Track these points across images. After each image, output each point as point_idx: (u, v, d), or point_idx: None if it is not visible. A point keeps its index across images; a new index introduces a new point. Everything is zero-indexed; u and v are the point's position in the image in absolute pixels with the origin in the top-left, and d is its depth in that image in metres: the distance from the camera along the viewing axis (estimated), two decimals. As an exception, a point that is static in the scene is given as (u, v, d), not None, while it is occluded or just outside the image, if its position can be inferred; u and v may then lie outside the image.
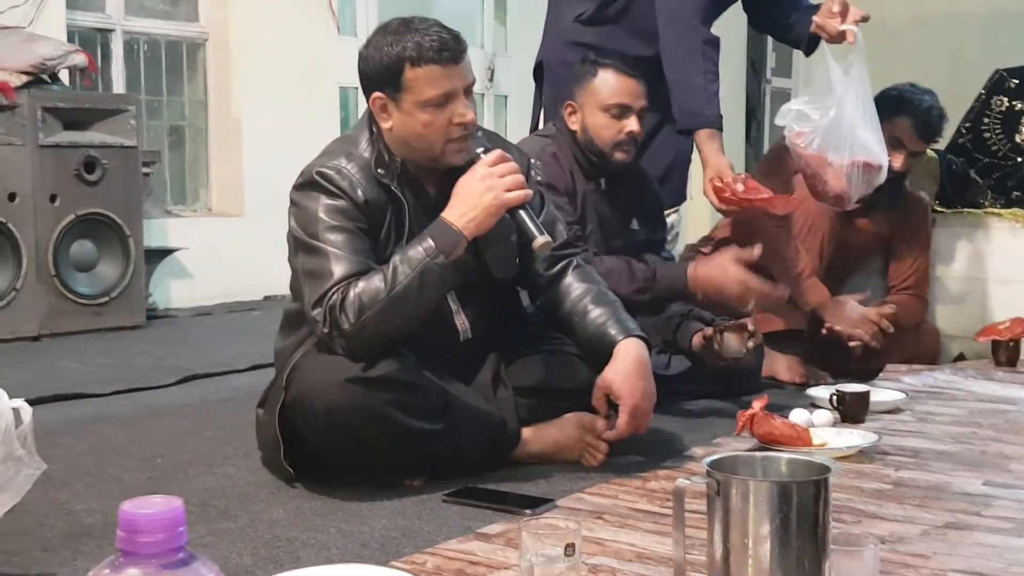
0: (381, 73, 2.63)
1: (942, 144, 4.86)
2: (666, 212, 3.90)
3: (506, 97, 8.64)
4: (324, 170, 2.61)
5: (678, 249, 4.15)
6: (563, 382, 2.85)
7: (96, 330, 5.32)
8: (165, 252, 6.16)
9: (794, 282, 3.93)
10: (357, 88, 2.78)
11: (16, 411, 1.94)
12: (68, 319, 5.25)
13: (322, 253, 2.55)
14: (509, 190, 2.57)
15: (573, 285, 2.84)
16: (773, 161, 4.15)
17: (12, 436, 1.92)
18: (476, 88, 2.74)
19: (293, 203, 2.66)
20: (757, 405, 2.81)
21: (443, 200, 2.63)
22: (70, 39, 5.92)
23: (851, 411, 3.22)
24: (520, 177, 2.61)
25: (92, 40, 6.36)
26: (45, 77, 5.23)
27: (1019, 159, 4.79)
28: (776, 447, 2.74)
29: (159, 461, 2.90)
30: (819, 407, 3.21)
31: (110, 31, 6.47)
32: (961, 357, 4.41)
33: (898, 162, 3.87)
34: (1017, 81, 4.84)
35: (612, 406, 2.73)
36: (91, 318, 5.33)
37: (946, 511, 2.35)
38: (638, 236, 3.63)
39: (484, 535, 2.20)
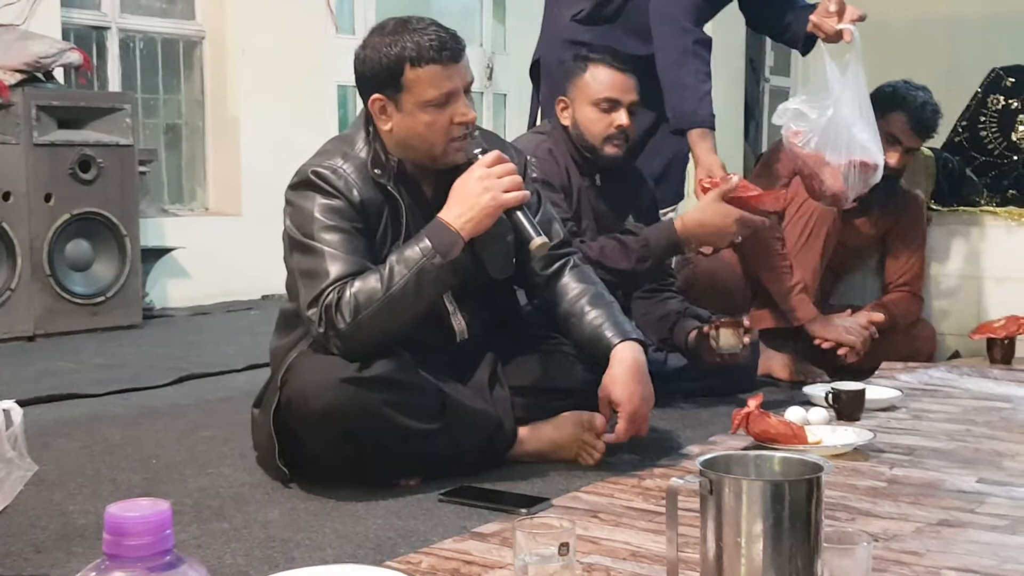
0: (380, 74, 2.63)
1: (938, 142, 4.85)
2: (663, 211, 3.91)
3: (505, 96, 8.64)
4: (320, 170, 2.61)
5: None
6: (559, 381, 2.85)
7: (92, 330, 5.32)
8: (162, 251, 6.16)
9: (785, 296, 3.94)
10: (354, 87, 2.76)
11: (6, 412, 1.93)
12: (63, 319, 5.25)
13: (318, 253, 2.54)
14: (507, 191, 2.57)
15: (570, 285, 2.84)
16: (770, 161, 4.15)
17: (2, 438, 1.92)
18: (475, 87, 2.74)
19: (288, 203, 2.65)
20: (753, 403, 2.81)
21: (440, 200, 2.63)
22: (65, 37, 5.92)
23: (846, 409, 3.21)
24: (518, 178, 2.61)
25: (87, 38, 6.36)
26: (40, 75, 5.22)
27: (1015, 157, 4.79)
28: (772, 445, 2.74)
29: (154, 462, 2.90)
30: (815, 405, 3.21)
31: (105, 29, 6.46)
32: (956, 355, 4.41)
33: (893, 158, 3.87)
34: (1013, 79, 4.84)
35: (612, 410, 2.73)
36: (87, 318, 5.33)
37: (940, 508, 2.35)
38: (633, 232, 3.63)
39: (480, 534, 2.20)
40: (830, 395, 3.25)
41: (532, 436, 2.78)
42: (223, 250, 6.55)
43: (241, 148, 6.86)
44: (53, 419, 3.40)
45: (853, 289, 4.32)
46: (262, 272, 6.27)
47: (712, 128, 3.69)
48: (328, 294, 2.49)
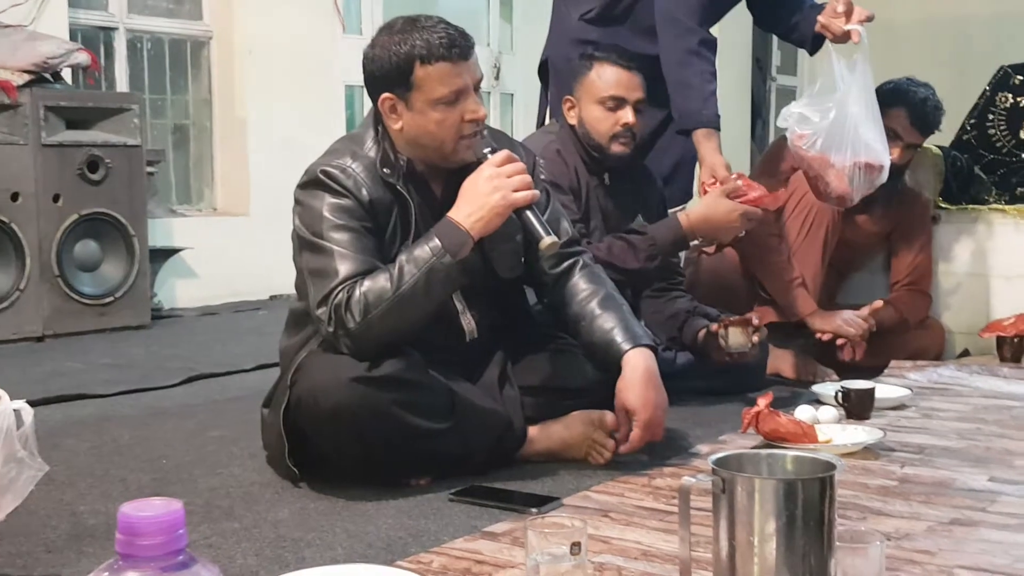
0: (390, 73, 2.62)
1: (946, 140, 4.85)
2: (672, 210, 3.90)
3: (512, 95, 8.64)
4: (329, 169, 2.60)
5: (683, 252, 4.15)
6: (569, 381, 2.85)
7: (100, 330, 5.32)
8: (170, 252, 6.16)
9: (784, 291, 3.93)
10: (362, 86, 2.76)
11: (17, 412, 1.93)
12: (72, 319, 5.25)
13: (327, 252, 2.54)
14: (516, 190, 2.56)
15: (579, 286, 2.83)
16: (772, 158, 4.15)
17: (13, 438, 1.91)
18: (482, 86, 2.73)
19: (297, 202, 2.65)
20: (762, 402, 2.81)
21: (449, 200, 2.63)
22: (72, 37, 5.92)
23: (856, 408, 3.21)
24: (527, 177, 2.61)
25: (95, 38, 6.37)
26: (48, 76, 5.23)
27: (1023, 155, 4.78)
28: (782, 444, 2.74)
29: (164, 462, 2.90)
30: (824, 404, 3.21)
31: (113, 29, 6.47)
32: (966, 353, 4.40)
33: (894, 154, 3.86)
34: (1022, 77, 4.83)
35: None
36: (95, 318, 5.34)
37: (951, 507, 2.35)
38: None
39: (490, 534, 2.20)
40: (840, 394, 3.24)
41: (542, 435, 2.77)
42: (231, 250, 6.56)
43: (248, 148, 6.87)
44: (62, 419, 3.40)
45: (860, 289, 4.31)
46: (270, 272, 6.28)
47: (717, 128, 3.70)
48: (338, 293, 2.49)
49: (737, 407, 3.18)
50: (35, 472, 1.96)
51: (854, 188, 3.66)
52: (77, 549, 2.20)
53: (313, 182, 2.61)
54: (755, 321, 3.38)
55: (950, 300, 4.48)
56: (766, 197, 3.48)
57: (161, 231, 6.27)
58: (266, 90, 6.88)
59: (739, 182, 3.49)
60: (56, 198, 5.17)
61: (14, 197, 5.02)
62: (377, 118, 2.71)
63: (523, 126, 8.14)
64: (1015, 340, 4.11)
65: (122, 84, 6.46)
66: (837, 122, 3.59)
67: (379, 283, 2.49)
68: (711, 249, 3.73)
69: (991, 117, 4.88)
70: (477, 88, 2.66)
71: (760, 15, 4.21)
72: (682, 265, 3.91)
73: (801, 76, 10.26)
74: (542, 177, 3.02)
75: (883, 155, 3.64)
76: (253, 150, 6.86)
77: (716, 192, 3.48)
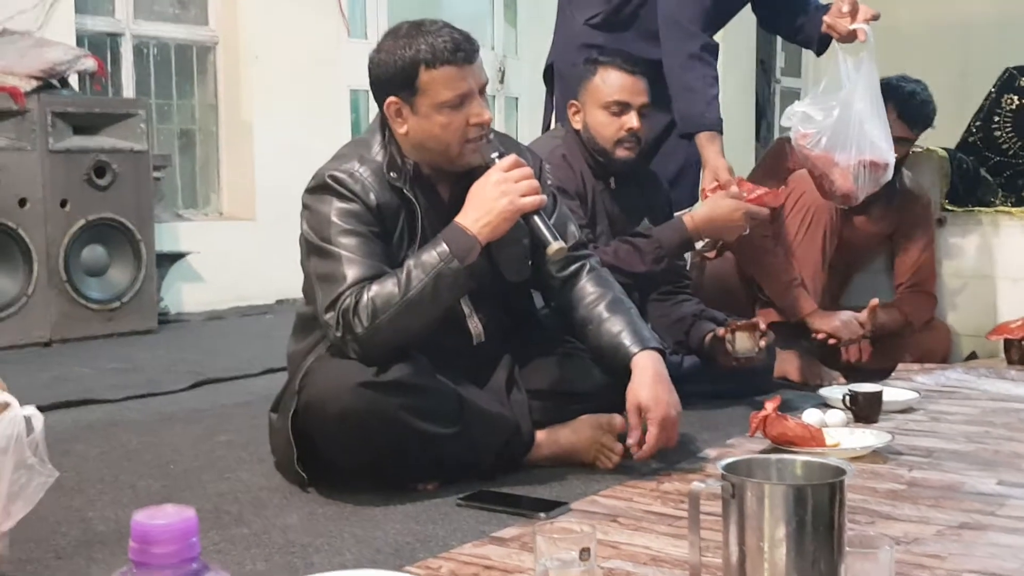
0: (395, 77, 2.63)
1: (952, 142, 4.85)
2: (677, 214, 3.90)
3: (517, 99, 8.64)
4: (336, 173, 2.61)
5: (688, 253, 4.15)
6: (577, 384, 2.85)
7: (108, 335, 5.33)
8: (176, 256, 6.17)
9: (782, 292, 3.93)
10: (368, 91, 2.77)
11: (27, 419, 1.94)
12: (79, 324, 5.25)
13: (335, 257, 2.54)
14: (524, 195, 2.57)
15: (587, 289, 2.83)
16: (772, 159, 4.15)
17: (24, 444, 1.92)
18: (487, 90, 2.73)
19: (305, 207, 2.66)
20: (770, 406, 2.81)
21: (456, 204, 2.63)
22: (79, 43, 5.93)
23: (864, 411, 3.21)
24: (535, 182, 2.61)
25: (101, 44, 6.37)
26: (54, 82, 5.23)
27: (1030, 157, 4.79)
28: (790, 448, 2.74)
29: (172, 467, 2.90)
30: (832, 407, 3.21)
31: (119, 35, 6.47)
32: (973, 356, 4.40)
33: None
34: (1027, 79, 4.84)
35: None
36: (103, 323, 5.34)
37: (960, 511, 2.35)
38: (649, 235, 3.64)
39: (499, 539, 2.20)
40: (847, 397, 3.25)
41: (549, 440, 2.77)
42: (237, 254, 6.56)
43: (254, 152, 6.87)
44: (71, 424, 3.40)
45: (864, 290, 4.30)
46: (276, 276, 6.27)
47: (720, 131, 3.71)
48: (345, 298, 2.49)
49: (744, 411, 3.19)
50: (45, 479, 1.96)
51: (859, 186, 3.67)
52: (87, 555, 2.20)
53: (321, 187, 2.62)
54: (762, 326, 3.39)
55: (957, 302, 4.48)
56: (767, 195, 3.50)
57: (167, 236, 6.27)
58: (272, 95, 6.89)
59: (736, 188, 3.50)
60: (63, 203, 5.18)
61: (22, 203, 5.03)
62: (384, 122, 2.71)
63: (528, 130, 8.14)
64: (1022, 342, 4.11)
65: (128, 90, 6.46)
66: (841, 120, 3.60)
67: (387, 288, 2.49)
68: (712, 254, 3.74)
69: (997, 119, 4.88)
70: (482, 92, 2.67)
71: (765, 17, 4.22)
72: (687, 268, 3.92)
73: (805, 78, 10.27)
74: (548, 182, 3.03)
75: (888, 153, 3.65)
76: (259, 154, 6.86)
77: (720, 193, 3.49)
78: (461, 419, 2.59)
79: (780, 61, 10.33)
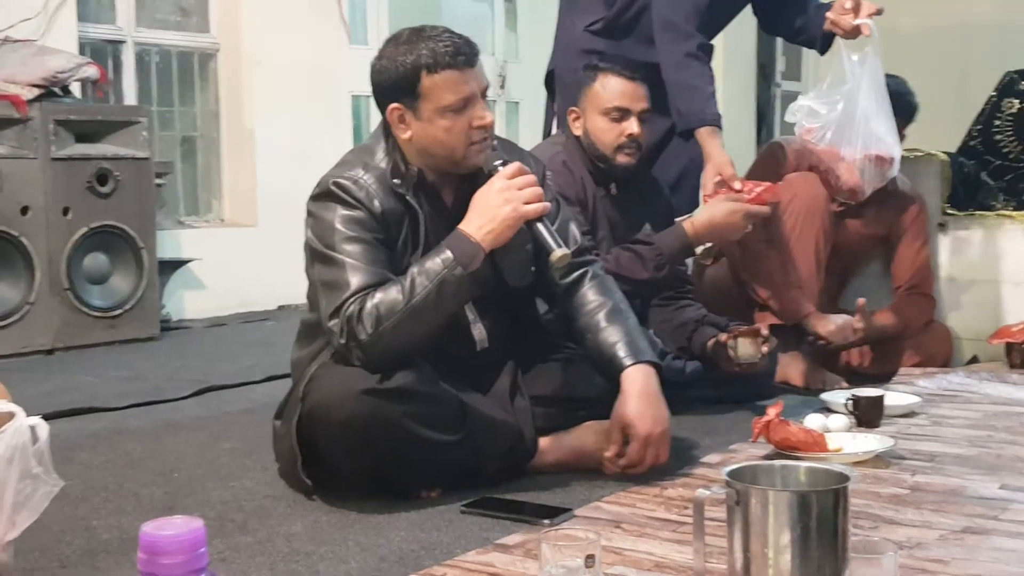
0: (397, 83, 2.64)
1: (952, 146, 4.86)
2: (678, 219, 3.90)
3: (518, 104, 8.64)
4: (341, 180, 2.61)
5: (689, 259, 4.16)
6: (580, 391, 2.85)
7: (110, 343, 5.33)
8: (178, 263, 6.17)
9: (776, 295, 3.93)
10: (369, 97, 2.77)
11: (32, 429, 1.94)
12: (82, 332, 5.26)
13: (339, 264, 2.55)
14: (528, 202, 2.57)
15: (588, 297, 2.83)
16: (764, 163, 4.15)
17: (29, 454, 1.92)
18: (488, 95, 2.74)
19: (310, 214, 2.66)
20: (772, 412, 2.81)
21: (460, 210, 2.64)
22: (81, 51, 5.94)
23: (866, 415, 3.21)
24: (539, 190, 2.62)
25: (103, 52, 6.38)
26: (57, 90, 5.24)
27: (1031, 160, 4.80)
28: (793, 453, 2.74)
29: (176, 475, 2.90)
30: (834, 412, 3.21)
31: (121, 43, 6.48)
32: (975, 360, 4.40)
33: None
34: (1028, 83, 4.84)
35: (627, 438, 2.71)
36: (105, 331, 5.34)
37: (963, 515, 2.35)
38: (650, 241, 3.64)
39: (503, 546, 2.21)
40: (850, 402, 3.25)
41: (553, 446, 2.77)
42: (239, 261, 6.56)
43: (256, 159, 6.87)
44: (74, 433, 3.40)
45: (863, 294, 4.30)
46: (278, 283, 6.28)
47: (720, 127, 3.71)
48: (349, 305, 2.50)
49: (747, 416, 3.19)
50: (50, 488, 1.97)
51: (865, 180, 3.69)
52: (91, 564, 2.20)
53: (325, 194, 2.62)
54: (764, 331, 3.39)
55: (958, 306, 4.48)
56: (766, 191, 3.51)
57: (169, 243, 6.28)
58: (273, 101, 6.89)
59: (739, 184, 3.51)
60: (65, 211, 5.18)
61: (24, 211, 5.03)
62: (387, 129, 2.72)
63: (529, 135, 8.14)
64: (1024, 346, 4.11)
65: (130, 97, 6.47)
66: (846, 114, 3.62)
67: (391, 295, 2.50)
68: (709, 261, 3.75)
69: (997, 123, 4.88)
70: (484, 95, 2.68)
71: (766, 18, 4.22)
72: (689, 273, 3.92)
73: (805, 82, 10.27)
74: (551, 187, 3.03)
75: (894, 148, 3.67)
76: (261, 161, 6.86)
77: (719, 197, 3.51)
78: (465, 426, 2.59)
79: (780, 65, 10.34)
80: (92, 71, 5.37)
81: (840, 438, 2.92)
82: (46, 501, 1.97)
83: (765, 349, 3.38)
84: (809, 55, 9.95)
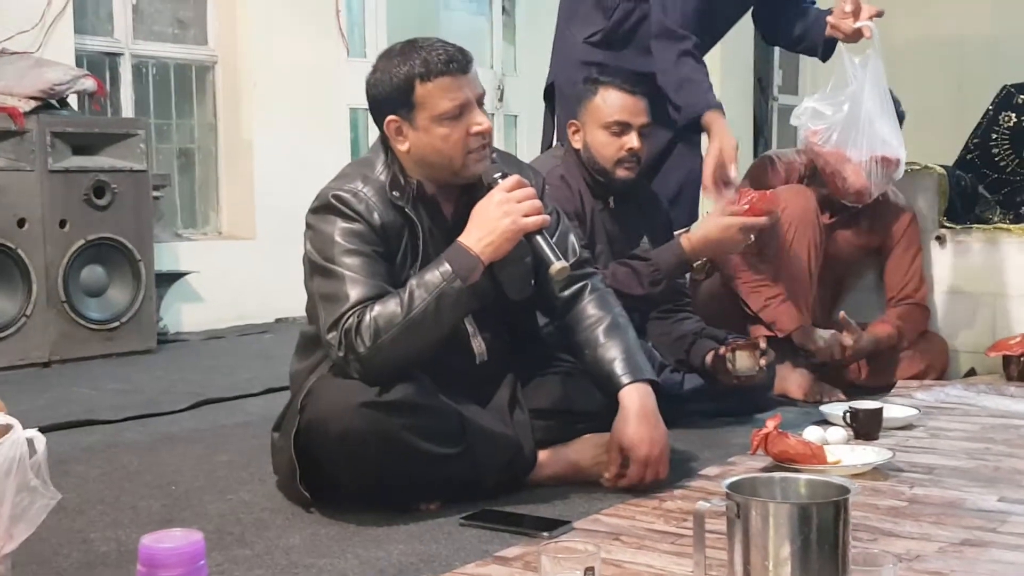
0: (392, 95, 2.64)
1: (949, 159, 4.87)
2: (677, 232, 3.91)
3: (516, 116, 8.65)
4: (340, 193, 2.61)
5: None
6: (579, 404, 2.84)
7: (107, 355, 5.32)
8: (176, 276, 6.16)
9: (766, 309, 3.93)
10: (367, 109, 2.77)
11: (30, 441, 1.94)
12: (79, 344, 5.25)
13: (338, 277, 2.55)
14: (527, 215, 2.57)
15: (587, 311, 2.83)
16: (757, 174, 4.16)
17: (26, 466, 1.92)
18: (487, 108, 2.74)
19: (309, 226, 2.66)
20: (771, 424, 2.81)
21: (459, 223, 2.64)
22: (78, 63, 5.93)
23: (864, 428, 3.21)
24: (538, 202, 2.61)
25: (100, 64, 6.38)
26: (54, 102, 5.24)
27: (1028, 174, 4.80)
28: (791, 465, 2.74)
29: (173, 488, 2.90)
30: (832, 424, 3.21)
31: (118, 55, 6.48)
32: (972, 372, 4.40)
33: None
34: (1024, 97, 4.85)
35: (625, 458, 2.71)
36: (102, 343, 5.33)
37: (962, 528, 2.35)
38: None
39: (502, 558, 2.20)
40: (848, 414, 3.25)
41: (552, 459, 2.77)
42: (237, 274, 6.55)
43: (254, 172, 6.87)
44: (71, 445, 3.39)
45: (857, 307, 4.30)
46: (276, 295, 6.28)
47: (723, 112, 3.72)
48: (348, 318, 2.50)
49: (745, 428, 3.19)
50: (47, 501, 1.96)
51: (872, 182, 3.69)
52: (89, 576, 2.20)
53: (325, 207, 2.62)
54: (762, 344, 3.40)
55: (955, 319, 4.48)
56: (760, 200, 3.51)
57: (167, 255, 6.27)
58: (271, 114, 6.89)
59: (733, 173, 3.54)
60: (62, 224, 5.18)
61: (20, 223, 5.03)
62: (385, 142, 2.72)
63: (527, 148, 8.15)
64: (1022, 359, 4.11)
65: (128, 109, 6.47)
66: (851, 116, 3.63)
67: (389, 308, 2.50)
68: (701, 276, 3.76)
69: (994, 136, 4.89)
70: (480, 103, 2.68)
71: (765, 27, 4.23)
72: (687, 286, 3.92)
73: (802, 96, 10.27)
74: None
75: (899, 149, 3.69)
76: (258, 174, 6.86)
77: (716, 211, 3.53)
78: (464, 439, 2.59)
79: (777, 79, 10.35)
80: (89, 83, 5.36)
81: (838, 450, 2.92)
82: (43, 514, 1.96)
83: (763, 362, 3.39)
84: (806, 68, 9.97)
